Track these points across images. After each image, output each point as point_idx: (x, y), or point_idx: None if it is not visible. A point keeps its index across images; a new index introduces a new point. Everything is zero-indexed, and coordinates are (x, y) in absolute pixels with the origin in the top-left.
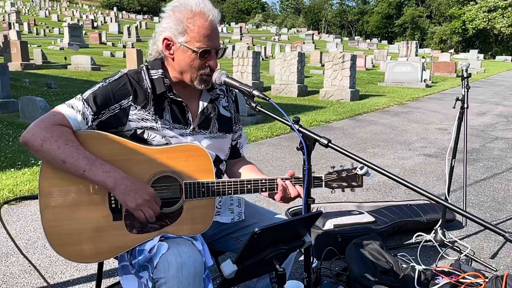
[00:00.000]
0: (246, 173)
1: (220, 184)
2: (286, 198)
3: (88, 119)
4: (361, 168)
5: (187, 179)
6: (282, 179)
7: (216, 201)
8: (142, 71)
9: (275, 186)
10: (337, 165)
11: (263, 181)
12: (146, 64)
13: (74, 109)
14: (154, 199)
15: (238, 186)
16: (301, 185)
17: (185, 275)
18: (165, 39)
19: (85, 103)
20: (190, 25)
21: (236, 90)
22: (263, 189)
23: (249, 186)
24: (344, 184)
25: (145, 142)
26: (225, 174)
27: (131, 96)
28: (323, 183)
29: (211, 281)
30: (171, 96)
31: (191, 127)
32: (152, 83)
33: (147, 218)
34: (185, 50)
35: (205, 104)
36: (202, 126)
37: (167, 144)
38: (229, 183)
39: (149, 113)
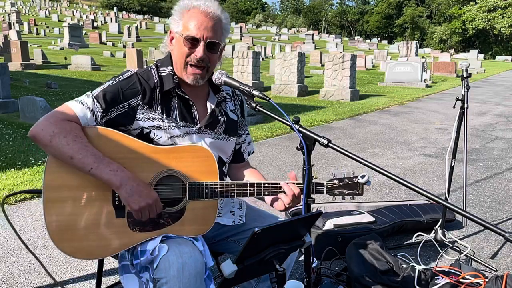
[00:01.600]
0: (249, 177)
1: (224, 186)
2: (287, 206)
3: (97, 116)
4: (362, 177)
5: (191, 180)
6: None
7: (218, 203)
8: (152, 69)
9: (278, 190)
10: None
11: (266, 184)
12: (156, 62)
13: (83, 105)
14: (155, 204)
15: (242, 188)
16: (300, 188)
17: (187, 275)
18: (170, 32)
19: (94, 100)
20: (185, 15)
21: (242, 95)
22: (266, 193)
23: (252, 189)
24: (345, 191)
25: (151, 142)
26: (227, 177)
27: (140, 95)
28: (325, 189)
29: (212, 281)
30: (179, 93)
31: (198, 126)
32: (161, 80)
33: (143, 221)
34: (179, 39)
35: (213, 106)
36: (209, 127)
37: (172, 144)
38: (233, 185)
39: (155, 112)
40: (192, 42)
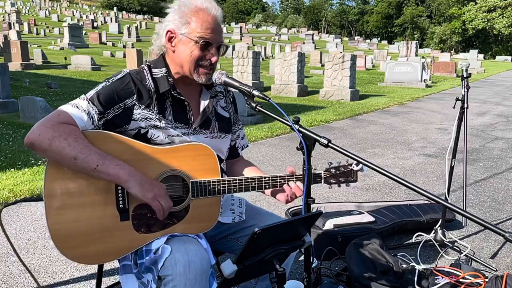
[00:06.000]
0: (247, 172)
1: (226, 182)
2: (290, 199)
3: (94, 118)
4: (357, 165)
5: (193, 178)
6: (285, 179)
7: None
8: (144, 71)
9: (278, 183)
10: (334, 162)
11: (267, 178)
12: (148, 63)
13: (79, 108)
14: (166, 192)
15: (243, 184)
16: (301, 182)
17: (193, 273)
18: (168, 31)
19: (89, 102)
20: (193, 18)
21: (234, 91)
22: (267, 186)
23: (253, 183)
24: (341, 179)
25: (148, 141)
26: (225, 174)
27: (135, 96)
28: (322, 179)
29: (215, 279)
30: (175, 95)
31: (193, 127)
32: (155, 82)
33: (163, 209)
34: (186, 42)
35: (206, 102)
36: (203, 126)
37: (170, 143)
38: (234, 181)
39: (152, 112)
40: (206, 46)
